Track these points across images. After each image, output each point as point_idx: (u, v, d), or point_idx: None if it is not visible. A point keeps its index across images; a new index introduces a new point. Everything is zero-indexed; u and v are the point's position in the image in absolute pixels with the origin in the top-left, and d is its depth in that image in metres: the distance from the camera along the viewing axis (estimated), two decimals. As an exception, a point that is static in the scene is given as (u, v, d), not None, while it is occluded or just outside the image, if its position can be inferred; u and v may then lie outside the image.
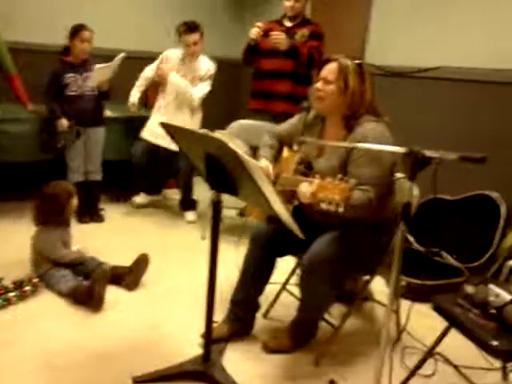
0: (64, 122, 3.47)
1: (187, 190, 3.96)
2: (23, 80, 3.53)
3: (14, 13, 4.12)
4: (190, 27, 3.64)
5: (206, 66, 3.77)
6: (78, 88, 3.53)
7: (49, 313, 2.42)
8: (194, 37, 3.65)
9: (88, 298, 2.45)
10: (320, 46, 3.58)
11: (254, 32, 3.55)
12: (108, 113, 3.85)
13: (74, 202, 2.80)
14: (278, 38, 3.44)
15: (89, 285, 2.49)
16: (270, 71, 3.65)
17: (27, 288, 2.53)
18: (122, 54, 3.48)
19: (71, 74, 3.51)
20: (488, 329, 1.68)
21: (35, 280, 2.58)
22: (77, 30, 3.44)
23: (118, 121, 3.97)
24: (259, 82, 3.75)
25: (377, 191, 1.87)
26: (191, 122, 3.78)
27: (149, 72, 3.88)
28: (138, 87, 3.90)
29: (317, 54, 3.50)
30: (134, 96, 3.85)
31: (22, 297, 2.49)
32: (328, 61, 2.05)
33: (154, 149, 3.83)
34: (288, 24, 3.66)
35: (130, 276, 2.71)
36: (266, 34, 3.61)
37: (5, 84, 3.45)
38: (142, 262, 2.77)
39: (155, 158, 3.93)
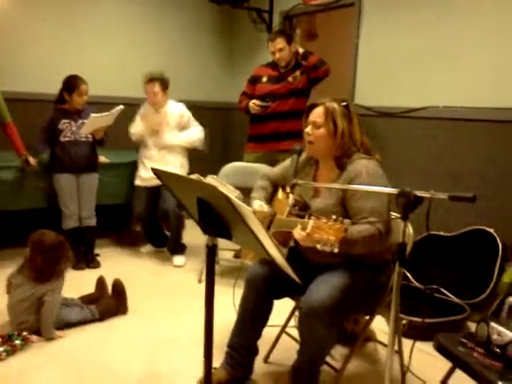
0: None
1: (175, 234, 3.91)
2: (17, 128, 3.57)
3: (7, 63, 4.21)
4: (149, 78, 3.71)
5: (176, 111, 3.80)
6: (72, 134, 3.58)
7: (40, 366, 2.34)
8: (154, 87, 3.71)
9: (116, 312, 2.87)
10: (314, 56, 3.70)
11: (253, 110, 3.73)
12: (102, 158, 3.88)
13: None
14: (254, 108, 3.69)
15: (114, 302, 2.88)
16: (267, 113, 3.72)
17: (17, 342, 2.43)
18: (120, 107, 3.54)
19: (66, 121, 3.57)
20: (493, 369, 1.64)
21: (25, 333, 2.49)
22: (74, 84, 3.51)
23: (112, 166, 3.99)
24: (256, 125, 3.82)
25: (383, 221, 1.88)
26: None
27: (136, 130, 3.90)
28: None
29: (314, 57, 3.67)
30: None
31: (12, 351, 2.39)
32: (314, 105, 2.08)
33: (152, 196, 3.85)
34: (281, 69, 3.76)
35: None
36: (257, 79, 3.78)
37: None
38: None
39: (155, 205, 3.91)
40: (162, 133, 3.80)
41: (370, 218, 1.86)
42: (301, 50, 3.74)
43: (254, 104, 3.69)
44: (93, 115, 3.46)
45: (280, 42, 3.67)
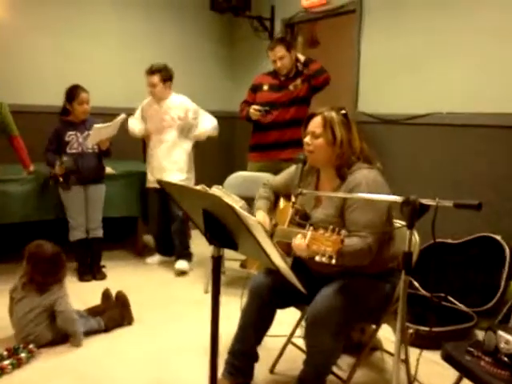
0: (58, 166, 3.48)
1: (182, 241, 3.91)
2: (23, 141, 3.60)
3: (12, 76, 4.25)
4: (150, 69, 3.74)
5: (180, 106, 3.80)
6: (78, 146, 3.59)
7: (46, 379, 2.34)
8: (152, 79, 3.73)
9: (121, 322, 2.86)
10: (316, 64, 3.71)
11: (254, 116, 3.71)
12: (108, 169, 3.90)
13: None
14: (255, 114, 3.67)
15: (119, 313, 2.87)
16: (269, 122, 3.73)
17: (23, 355, 2.43)
18: (122, 115, 3.55)
19: (72, 133, 3.59)
20: (500, 377, 1.62)
21: (31, 346, 2.50)
22: (74, 93, 3.53)
23: (118, 177, 4.01)
24: (259, 134, 3.83)
25: (376, 236, 1.87)
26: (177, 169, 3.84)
27: (136, 124, 3.95)
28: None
29: (316, 64, 3.69)
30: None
31: (17, 364, 2.38)
32: (313, 115, 2.09)
33: (162, 198, 3.85)
34: (282, 78, 3.78)
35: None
36: (258, 87, 3.80)
37: (6, 145, 3.52)
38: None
39: (167, 212, 3.90)
40: (163, 129, 3.81)
41: (363, 232, 1.86)
42: (302, 58, 3.75)
43: (254, 110, 3.69)
44: (96, 126, 3.47)
45: (280, 50, 3.67)
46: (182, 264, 3.86)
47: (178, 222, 3.85)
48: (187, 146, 3.91)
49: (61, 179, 3.47)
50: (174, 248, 4.01)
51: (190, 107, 3.84)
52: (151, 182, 3.89)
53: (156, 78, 3.73)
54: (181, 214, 3.74)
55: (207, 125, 3.90)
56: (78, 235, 3.63)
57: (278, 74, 3.78)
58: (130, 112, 3.92)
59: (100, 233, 3.75)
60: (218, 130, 3.98)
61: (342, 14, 4.19)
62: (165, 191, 3.60)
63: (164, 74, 3.75)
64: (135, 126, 3.94)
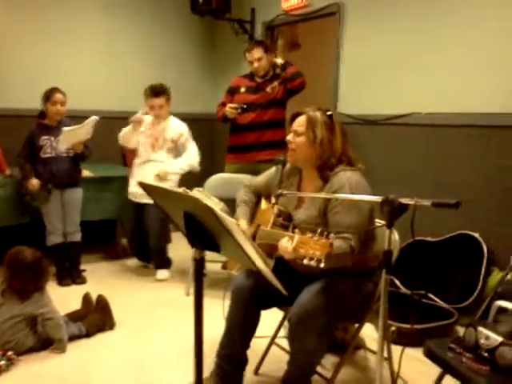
0: (34, 182, 3.44)
1: (158, 250, 3.84)
2: (6, 144, 3.54)
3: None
4: (155, 92, 3.65)
5: (176, 128, 3.75)
6: (52, 150, 3.53)
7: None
8: (160, 101, 3.65)
9: (102, 327, 2.83)
10: (293, 67, 3.71)
11: (231, 115, 3.68)
12: (86, 173, 3.84)
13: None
14: (231, 112, 3.65)
15: (100, 318, 2.84)
16: (247, 124, 3.72)
17: (2, 363, 2.38)
18: (94, 117, 3.49)
19: (46, 137, 3.53)
20: (481, 372, 1.65)
21: (10, 353, 2.45)
22: (49, 94, 3.48)
23: (96, 180, 3.95)
24: (237, 135, 3.82)
25: (358, 238, 1.88)
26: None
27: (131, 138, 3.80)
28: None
29: (293, 68, 3.69)
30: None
31: None
32: (298, 114, 2.11)
33: (140, 211, 3.77)
34: (258, 80, 3.78)
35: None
36: (235, 90, 3.80)
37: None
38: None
39: (143, 220, 3.82)
40: (156, 147, 3.74)
41: (345, 233, 1.87)
42: (279, 62, 3.75)
43: (230, 108, 3.67)
44: (64, 129, 3.40)
45: (257, 52, 3.68)
46: (162, 274, 3.82)
47: (154, 238, 3.75)
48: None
49: (38, 193, 3.45)
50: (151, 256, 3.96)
51: (184, 133, 3.76)
52: (130, 194, 3.81)
53: (163, 100, 3.66)
54: (157, 227, 3.69)
55: (178, 164, 3.76)
56: (55, 240, 3.58)
57: (255, 76, 3.79)
58: (108, 115, 3.87)
59: (78, 237, 3.69)
60: (195, 167, 3.80)
61: (322, 16, 4.21)
62: (141, 205, 3.62)
63: (168, 94, 3.69)
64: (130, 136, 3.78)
